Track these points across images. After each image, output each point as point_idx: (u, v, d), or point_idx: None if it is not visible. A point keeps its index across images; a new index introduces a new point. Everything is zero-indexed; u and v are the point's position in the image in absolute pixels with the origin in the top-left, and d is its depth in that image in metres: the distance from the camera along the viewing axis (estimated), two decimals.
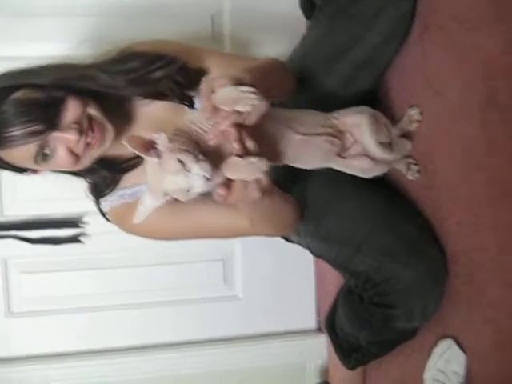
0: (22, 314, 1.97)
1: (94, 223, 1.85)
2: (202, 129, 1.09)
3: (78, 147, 1.25)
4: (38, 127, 1.20)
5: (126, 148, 1.23)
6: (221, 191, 1.04)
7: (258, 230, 1.42)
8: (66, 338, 2.00)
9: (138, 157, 1.24)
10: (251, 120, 1.06)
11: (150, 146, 1.05)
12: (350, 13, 1.42)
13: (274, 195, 1.26)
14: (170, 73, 1.36)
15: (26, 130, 1.19)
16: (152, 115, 1.40)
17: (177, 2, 1.91)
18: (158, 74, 1.35)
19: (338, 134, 1.35)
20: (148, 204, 1.09)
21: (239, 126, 1.05)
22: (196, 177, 1.01)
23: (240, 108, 1.03)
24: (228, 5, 1.94)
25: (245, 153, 1.05)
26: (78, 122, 1.24)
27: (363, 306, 1.47)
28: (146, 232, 1.42)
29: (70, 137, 1.23)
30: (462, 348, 1.36)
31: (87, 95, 1.29)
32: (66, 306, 1.98)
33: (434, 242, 1.40)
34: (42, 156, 1.24)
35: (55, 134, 1.23)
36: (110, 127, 1.30)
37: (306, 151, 1.31)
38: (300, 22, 1.78)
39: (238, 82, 1.06)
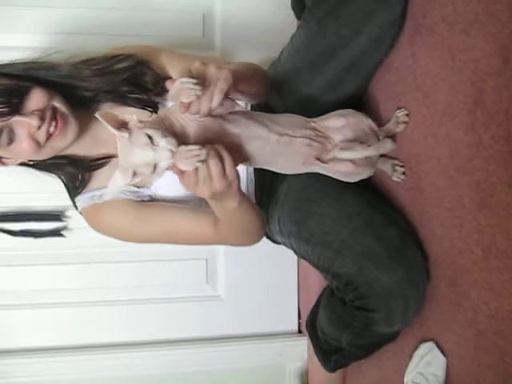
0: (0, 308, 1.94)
1: (77, 217, 1.83)
2: (177, 119, 1.13)
3: (40, 134, 1.29)
4: (0, 110, 1.23)
5: (92, 148, 1.35)
6: (178, 175, 1.10)
7: (222, 238, 1.43)
8: (45, 333, 1.97)
9: (105, 157, 1.39)
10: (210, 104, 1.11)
11: (121, 126, 1.08)
12: (339, 15, 1.40)
13: (244, 203, 1.28)
14: (130, 65, 1.42)
15: None
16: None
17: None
18: (120, 65, 1.41)
19: (317, 138, 1.35)
20: (117, 182, 1.10)
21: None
22: (162, 150, 1.04)
23: (184, 100, 1.07)
24: (219, 6, 1.95)
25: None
26: (41, 111, 1.28)
27: (345, 309, 1.46)
28: (115, 234, 1.45)
29: (32, 122, 1.26)
30: (442, 351, 1.36)
31: (54, 89, 1.33)
32: (45, 301, 1.95)
33: (416, 245, 1.40)
34: (5, 139, 1.27)
35: (17, 118, 1.26)
36: (73, 122, 1.34)
37: (284, 154, 1.31)
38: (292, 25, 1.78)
39: (186, 75, 1.09)
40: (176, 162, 1.07)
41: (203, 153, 1.06)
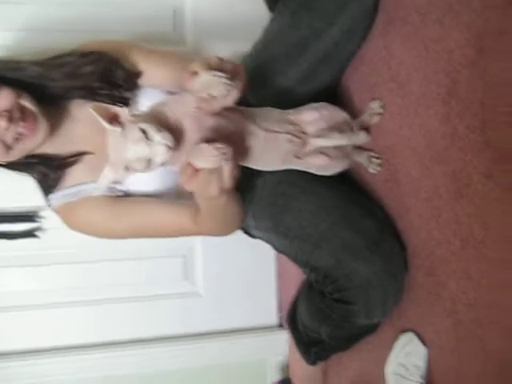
0: None
1: (51, 217, 1.79)
2: (173, 113, 1.11)
3: (8, 136, 1.28)
4: None
5: (64, 145, 1.35)
6: (183, 175, 1.06)
7: (202, 229, 1.42)
8: (21, 335, 1.94)
9: (78, 155, 1.37)
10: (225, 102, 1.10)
11: (113, 119, 1.06)
12: (312, 7, 1.41)
13: (232, 197, 1.28)
14: (100, 67, 1.40)
15: None
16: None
17: None
18: (89, 68, 1.39)
19: (298, 134, 1.34)
20: (108, 177, 1.08)
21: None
22: (158, 145, 1.02)
23: (214, 93, 1.06)
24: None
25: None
26: (9, 111, 1.27)
27: (324, 302, 1.46)
28: (90, 231, 1.44)
29: None
30: (422, 341, 1.36)
31: (23, 88, 1.32)
32: (21, 303, 1.92)
33: (394, 236, 1.40)
34: None
35: None
36: (43, 121, 1.32)
37: (268, 151, 1.30)
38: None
39: (211, 67, 1.07)
40: (195, 159, 1.04)
41: (230, 151, 1.04)
